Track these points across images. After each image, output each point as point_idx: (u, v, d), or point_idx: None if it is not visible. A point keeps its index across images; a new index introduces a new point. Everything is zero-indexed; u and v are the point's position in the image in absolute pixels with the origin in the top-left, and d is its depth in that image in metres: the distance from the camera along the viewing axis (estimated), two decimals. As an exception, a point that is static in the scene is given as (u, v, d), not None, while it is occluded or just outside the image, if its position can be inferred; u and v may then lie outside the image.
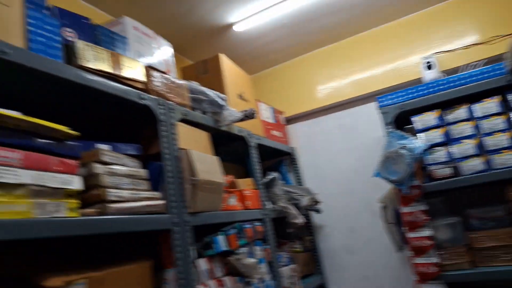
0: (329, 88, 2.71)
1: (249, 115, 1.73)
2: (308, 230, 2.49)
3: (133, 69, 1.26)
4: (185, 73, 2.03)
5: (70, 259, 1.33)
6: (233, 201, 1.67)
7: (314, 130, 2.74)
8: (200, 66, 2.01)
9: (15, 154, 0.81)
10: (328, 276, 2.53)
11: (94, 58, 1.10)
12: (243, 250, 1.53)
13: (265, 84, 2.95)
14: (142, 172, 1.20)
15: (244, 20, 2.23)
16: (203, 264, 1.34)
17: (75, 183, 0.92)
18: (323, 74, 2.75)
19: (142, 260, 1.15)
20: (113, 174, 1.07)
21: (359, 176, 2.50)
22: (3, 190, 0.77)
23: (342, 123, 2.64)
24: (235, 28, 2.29)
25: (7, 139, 0.80)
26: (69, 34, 1.11)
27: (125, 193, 1.07)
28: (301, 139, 2.77)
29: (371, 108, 2.46)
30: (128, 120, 1.37)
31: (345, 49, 2.69)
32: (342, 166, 2.60)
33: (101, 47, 1.15)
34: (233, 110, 1.68)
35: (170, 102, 1.39)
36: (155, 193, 1.20)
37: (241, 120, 1.72)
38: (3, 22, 0.88)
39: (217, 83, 1.93)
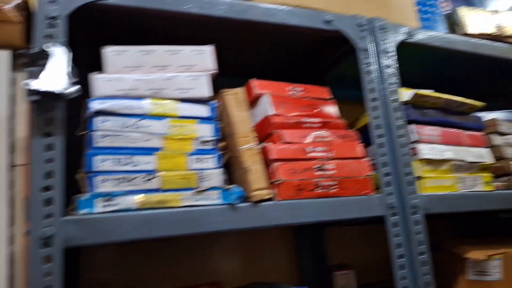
0: None
1: None
2: None
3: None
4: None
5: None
6: None
7: None
8: None
9: (435, 131, 0.86)
10: None
11: (475, 22, 1.03)
12: None
13: None
14: (536, 140, 1.05)
15: None
16: None
17: (487, 156, 0.89)
18: None
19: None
20: (511, 145, 0.98)
21: None
22: (431, 166, 0.83)
23: None
24: None
25: (427, 118, 0.86)
26: (445, 3, 1.08)
27: (529, 166, 0.96)
28: None
29: None
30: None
31: None
32: None
33: (479, 9, 1.06)
34: None
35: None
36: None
37: None
38: (404, 8, 0.94)
39: None
